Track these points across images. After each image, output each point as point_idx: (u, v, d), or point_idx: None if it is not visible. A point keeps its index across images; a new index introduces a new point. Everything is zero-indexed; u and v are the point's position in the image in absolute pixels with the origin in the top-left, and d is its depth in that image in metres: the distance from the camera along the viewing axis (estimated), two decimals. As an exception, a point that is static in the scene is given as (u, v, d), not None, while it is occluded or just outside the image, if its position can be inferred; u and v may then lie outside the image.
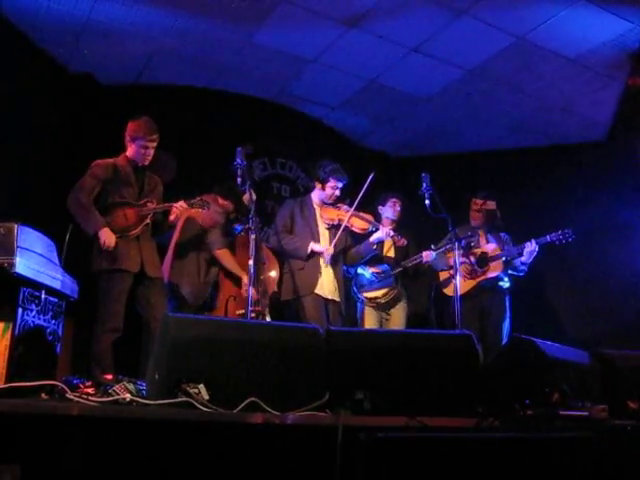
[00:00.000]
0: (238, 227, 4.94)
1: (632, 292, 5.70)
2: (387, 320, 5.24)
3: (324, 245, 4.77)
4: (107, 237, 4.00)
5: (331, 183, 4.86)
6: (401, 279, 5.32)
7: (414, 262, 5.22)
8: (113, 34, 5.20)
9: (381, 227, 4.90)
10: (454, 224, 4.63)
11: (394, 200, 5.39)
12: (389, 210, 5.36)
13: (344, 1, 4.82)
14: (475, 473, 2.39)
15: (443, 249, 5.16)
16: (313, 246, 4.75)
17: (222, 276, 4.85)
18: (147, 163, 4.32)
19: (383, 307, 5.23)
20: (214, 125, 6.04)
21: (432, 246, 5.24)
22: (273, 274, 4.88)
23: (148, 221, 4.20)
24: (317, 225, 4.86)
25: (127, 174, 4.25)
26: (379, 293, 5.22)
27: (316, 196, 4.97)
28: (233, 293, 4.80)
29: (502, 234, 5.54)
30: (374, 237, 4.88)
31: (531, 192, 6.46)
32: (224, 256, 4.78)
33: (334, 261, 4.81)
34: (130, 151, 4.29)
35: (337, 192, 4.90)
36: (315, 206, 4.95)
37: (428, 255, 5.14)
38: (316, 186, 4.96)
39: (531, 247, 5.09)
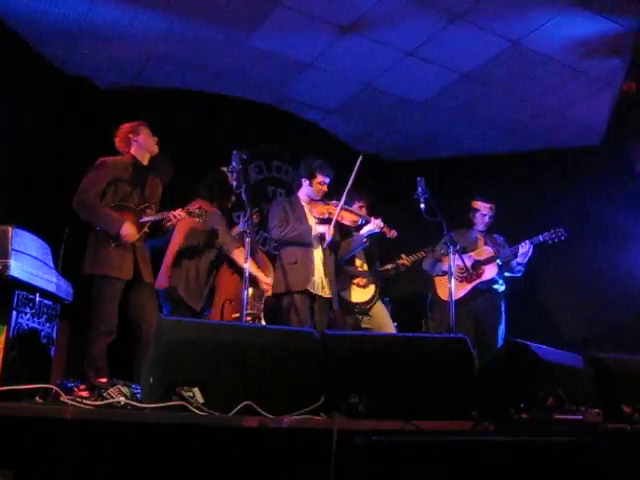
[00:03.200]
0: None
1: (627, 296, 5.72)
2: (369, 319, 5.27)
3: (325, 226, 4.75)
4: (129, 233, 4.04)
5: (318, 179, 4.80)
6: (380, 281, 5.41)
7: (390, 268, 5.32)
8: (110, 37, 5.21)
9: (372, 220, 4.87)
10: (450, 229, 4.61)
11: (360, 204, 5.31)
12: None
13: (339, 5, 4.83)
14: (470, 477, 2.40)
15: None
16: (317, 227, 4.71)
17: (218, 279, 4.83)
18: (157, 151, 4.35)
19: (364, 311, 5.27)
20: (210, 128, 6.04)
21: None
22: (269, 280, 4.86)
23: (146, 230, 4.19)
24: (308, 221, 4.83)
25: (132, 175, 4.24)
26: (364, 298, 5.24)
27: (303, 193, 4.90)
28: (229, 296, 4.79)
29: (496, 236, 5.55)
30: (365, 230, 4.84)
31: (526, 196, 6.48)
32: (241, 256, 4.74)
33: (325, 256, 4.78)
34: (137, 146, 4.30)
35: (325, 188, 4.86)
36: (303, 203, 4.89)
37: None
38: (303, 183, 4.89)
39: (525, 248, 5.12)
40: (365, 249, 5.33)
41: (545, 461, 2.51)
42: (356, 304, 5.23)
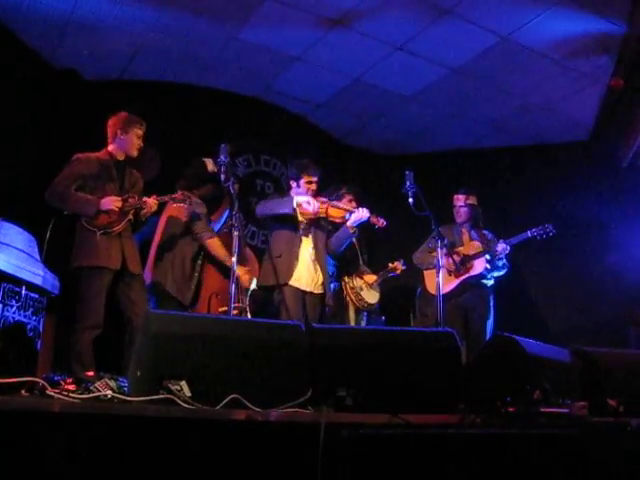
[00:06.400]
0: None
1: (613, 290, 5.75)
2: None
3: (306, 196, 4.68)
4: (112, 203, 4.02)
5: (304, 179, 4.80)
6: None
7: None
8: (97, 29, 5.16)
9: (358, 209, 4.75)
10: (438, 222, 4.59)
11: (350, 197, 5.27)
12: None
13: (329, -1, 4.82)
14: (457, 469, 2.41)
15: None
16: (297, 198, 4.64)
17: (205, 273, 4.82)
18: (137, 154, 4.30)
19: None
20: (198, 122, 6.01)
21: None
22: (244, 272, 4.86)
23: (130, 217, 4.17)
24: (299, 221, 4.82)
25: (109, 169, 4.22)
26: (375, 300, 5.28)
27: (295, 194, 4.90)
28: (216, 290, 4.77)
29: (485, 232, 5.55)
30: (351, 220, 4.71)
31: (514, 191, 6.51)
32: (214, 245, 4.71)
33: (316, 252, 4.75)
34: (119, 144, 4.25)
35: (313, 186, 4.82)
36: None
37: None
38: (292, 185, 4.90)
39: (501, 249, 5.15)
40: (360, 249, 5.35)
41: (531, 453, 2.52)
42: (371, 304, 5.27)
